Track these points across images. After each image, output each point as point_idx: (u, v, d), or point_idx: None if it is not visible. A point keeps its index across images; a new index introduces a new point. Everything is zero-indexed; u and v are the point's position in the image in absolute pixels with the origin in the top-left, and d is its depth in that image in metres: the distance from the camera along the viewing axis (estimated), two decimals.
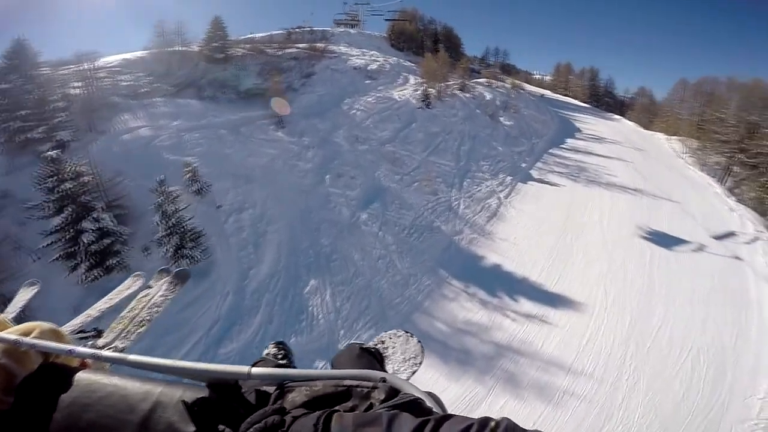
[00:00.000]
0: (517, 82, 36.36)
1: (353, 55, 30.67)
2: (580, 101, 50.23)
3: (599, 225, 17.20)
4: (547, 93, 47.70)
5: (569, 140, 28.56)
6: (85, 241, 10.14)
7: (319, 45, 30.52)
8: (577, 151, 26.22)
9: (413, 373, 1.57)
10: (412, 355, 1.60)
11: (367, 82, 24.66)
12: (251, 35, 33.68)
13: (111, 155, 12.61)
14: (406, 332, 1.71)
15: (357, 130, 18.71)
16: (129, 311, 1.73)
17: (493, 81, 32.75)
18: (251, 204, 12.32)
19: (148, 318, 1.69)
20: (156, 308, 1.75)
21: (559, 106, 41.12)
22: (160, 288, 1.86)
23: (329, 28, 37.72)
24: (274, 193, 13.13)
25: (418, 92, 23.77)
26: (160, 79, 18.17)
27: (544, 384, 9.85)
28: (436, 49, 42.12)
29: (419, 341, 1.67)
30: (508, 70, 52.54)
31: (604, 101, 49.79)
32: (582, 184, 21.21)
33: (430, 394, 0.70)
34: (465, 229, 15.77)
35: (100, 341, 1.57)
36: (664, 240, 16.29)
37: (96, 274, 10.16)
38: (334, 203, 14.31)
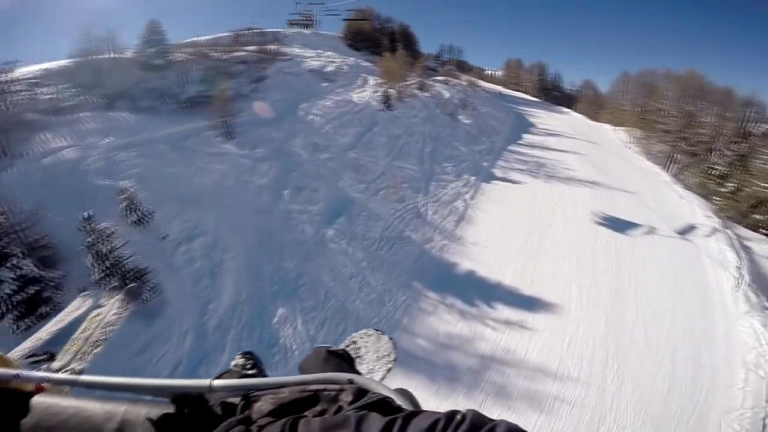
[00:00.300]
0: (473, 79, 36.72)
1: (308, 57, 29.36)
2: (531, 96, 52.00)
3: (563, 221, 17.41)
4: (501, 89, 48.88)
5: (525, 136, 29.15)
6: (6, 291, 8.47)
7: (271, 47, 28.90)
8: (533, 146, 26.73)
9: (388, 370, 1.53)
10: (385, 353, 1.57)
11: (324, 84, 23.54)
12: (195, 39, 31.39)
13: (30, 184, 10.65)
14: (377, 330, 1.69)
15: (316, 138, 17.62)
16: (82, 332, 1.66)
17: (451, 79, 32.79)
18: (202, 230, 10.89)
19: (103, 337, 1.64)
20: (110, 327, 1.70)
21: (513, 102, 42.18)
22: (112, 306, 1.81)
23: (281, 30, 36.01)
24: (227, 215, 11.77)
25: (378, 94, 23.02)
26: (87, 90, 15.96)
27: (533, 392, 9.53)
28: (394, 48, 41.76)
29: (391, 338, 1.65)
30: (462, 66, 53.31)
31: (553, 95, 51.83)
32: (542, 180, 21.52)
33: (402, 391, 0.68)
34: (435, 236, 15.31)
35: (55, 364, 1.48)
36: (626, 232, 16.76)
37: (28, 323, 8.55)
38: (296, 221, 13.20)
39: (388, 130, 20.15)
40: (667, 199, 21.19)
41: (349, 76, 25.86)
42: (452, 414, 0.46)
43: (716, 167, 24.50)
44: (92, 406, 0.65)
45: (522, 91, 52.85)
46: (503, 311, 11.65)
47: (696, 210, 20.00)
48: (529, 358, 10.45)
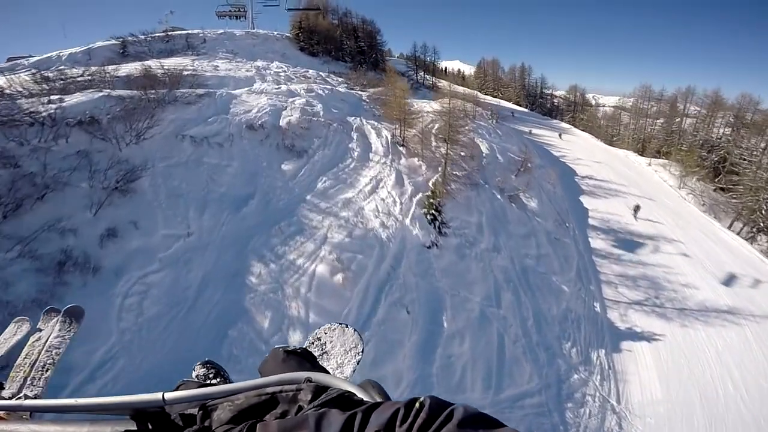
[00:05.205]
0: (491, 101, 25.35)
1: (242, 80, 15.33)
2: (515, 104, 42.12)
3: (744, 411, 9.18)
4: (489, 100, 37.97)
5: (585, 202, 18.98)
6: None
7: (168, 64, 14.39)
8: (615, 233, 16.69)
9: (358, 363, 1.37)
10: (352, 346, 1.41)
11: (287, 168, 10.27)
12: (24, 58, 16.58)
13: None
14: (340, 324, 1.50)
15: None
16: (25, 357, 1.49)
17: (467, 107, 20.90)
18: None
19: (50, 361, 1.48)
20: (56, 350, 1.53)
21: (513, 120, 31.73)
22: (52, 329, 1.62)
23: (198, 31, 20.88)
24: None
25: (409, 186, 10.56)
26: None
27: None
28: (361, 50, 28.25)
29: (355, 330, 1.47)
30: (428, 68, 40.76)
31: (539, 103, 42.39)
32: (676, 322, 12.34)
33: (367, 383, 0.64)
34: None
35: (5, 392, 1.32)
36: None
37: None
38: None
39: (462, 309, 8.24)
40: None
41: (334, 130, 12.68)
42: (411, 402, 0.42)
43: None
44: (54, 431, 0.61)
45: (504, 98, 42.65)
46: None
47: None
48: None
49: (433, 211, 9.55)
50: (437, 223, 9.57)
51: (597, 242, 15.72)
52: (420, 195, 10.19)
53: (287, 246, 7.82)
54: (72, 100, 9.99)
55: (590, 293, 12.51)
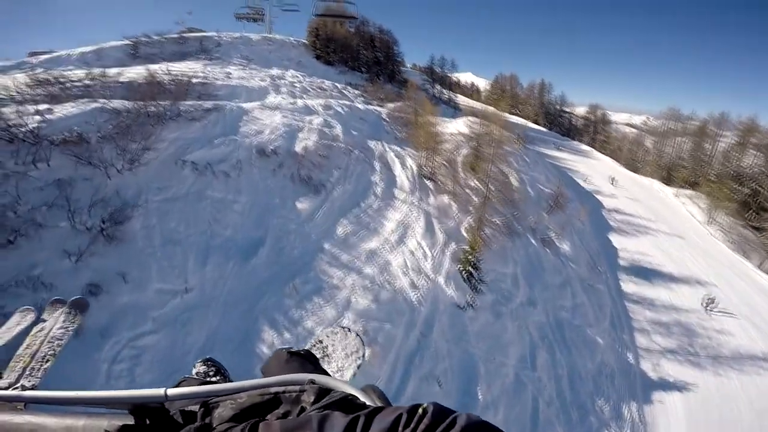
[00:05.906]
0: (516, 120, 24.08)
1: (254, 90, 14.12)
2: (533, 122, 40.79)
3: None
4: (512, 119, 36.61)
5: (615, 241, 17.63)
6: None
7: (174, 70, 13.17)
8: (646, 274, 15.44)
9: (358, 367, 0.91)
10: (354, 350, 1.44)
11: (301, 205, 9.01)
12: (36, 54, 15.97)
13: None
14: (343, 328, 0.83)
15: None
16: (26, 348, 1.41)
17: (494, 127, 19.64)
18: None
19: (51, 353, 1.41)
20: (58, 341, 1.46)
21: (534, 141, 30.42)
22: (56, 320, 1.55)
23: (214, 33, 19.98)
24: None
25: (440, 234, 9.23)
26: None
27: None
28: (377, 60, 27.04)
29: (357, 334, 0.89)
30: (444, 80, 39.07)
31: (557, 122, 41.04)
32: (710, 370, 11.36)
33: (369, 388, 0.64)
34: None
35: (2, 382, 1.25)
36: None
37: None
38: None
39: (497, 376, 7.01)
40: None
41: (355, 158, 11.39)
42: (414, 408, 0.42)
43: None
44: (50, 422, 0.60)
45: (522, 116, 41.33)
46: None
47: None
48: None
49: (470, 268, 8.22)
50: (474, 281, 8.25)
51: (629, 286, 14.43)
52: (453, 246, 8.87)
53: (304, 310, 6.50)
54: (62, 111, 8.73)
55: (623, 343, 11.31)
